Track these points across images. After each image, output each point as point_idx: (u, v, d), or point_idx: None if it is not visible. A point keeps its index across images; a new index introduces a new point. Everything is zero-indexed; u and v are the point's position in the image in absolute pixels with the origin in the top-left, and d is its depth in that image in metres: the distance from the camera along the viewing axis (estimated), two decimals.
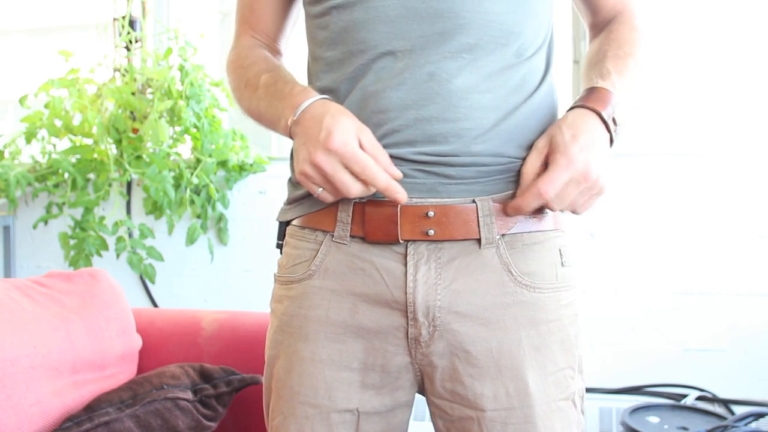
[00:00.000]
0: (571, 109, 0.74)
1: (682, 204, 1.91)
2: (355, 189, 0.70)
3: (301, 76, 0.85)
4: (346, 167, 0.69)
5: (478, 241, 0.73)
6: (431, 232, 0.72)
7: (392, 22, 0.72)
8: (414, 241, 0.73)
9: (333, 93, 0.76)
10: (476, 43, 0.72)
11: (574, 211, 0.72)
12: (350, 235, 0.75)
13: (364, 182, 0.69)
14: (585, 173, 0.68)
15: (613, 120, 0.72)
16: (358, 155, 0.68)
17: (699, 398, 1.84)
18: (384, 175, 0.69)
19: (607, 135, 0.72)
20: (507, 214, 0.73)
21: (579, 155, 0.68)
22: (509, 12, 0.73)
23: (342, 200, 0.75)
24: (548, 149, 0.71)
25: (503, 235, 0.74)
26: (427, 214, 0.72)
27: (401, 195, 0.70)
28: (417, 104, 0.71)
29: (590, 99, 0.73)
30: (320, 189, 0.71)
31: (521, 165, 0.74)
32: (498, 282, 0.74)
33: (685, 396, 1.85)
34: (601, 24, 0.88)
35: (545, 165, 0.71)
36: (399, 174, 0.71)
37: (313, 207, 0.78)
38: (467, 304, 0.73)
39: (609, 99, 0.72)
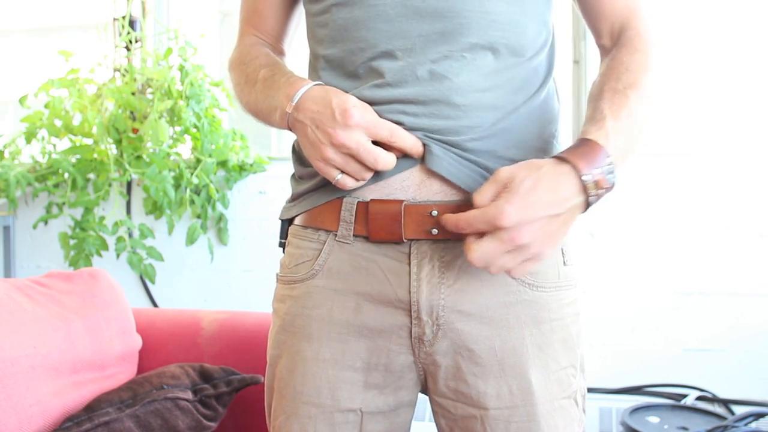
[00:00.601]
0: (558, 157, 0.66)
1: (682, 204, 1.91)
2: (384, 158, 0.69)
3: (302, 75, 0.85)
4: (372, 136, 0.69)
5: None
6: (435, 231, 0.72)
7: (392, 21, 0.72)
8: (417, 240, 0.73)
9: None
10: (477, 42, 0.72)
11: (508, 272, 0.65)
12: (353, 235, 0.75)
13: (391, 148, 0.70)
14: (510, 237, 0.61)
15: (596, 183, 0.64)
16: (382, 121, 0.69)
17: (699, 398, 1.84)
18: (409, 133, 0.70)
19: (581, 199, 0.65)
20: (442, 224, 0.68)
21: (513, 215, 0.61)
22: (510, 11, 0.73)
23: (345, 199, 0.75)
24: (505, 187, 0.64)
25: None
26: (430, 213, 0.72)
27: (421, 148, 0.71)
28: (417, 102, 0.71)
29: (578, 154, 0.65)
30: (339, 176, 0.71)
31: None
32: (501, 281, 0.74)
33: (685, 396, 1.85)
34: (608, 45, 0.80)
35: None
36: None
37: (319, 200, 0.77)
38: (471, 303, 0.73)
39: (597, 158, 0.65)
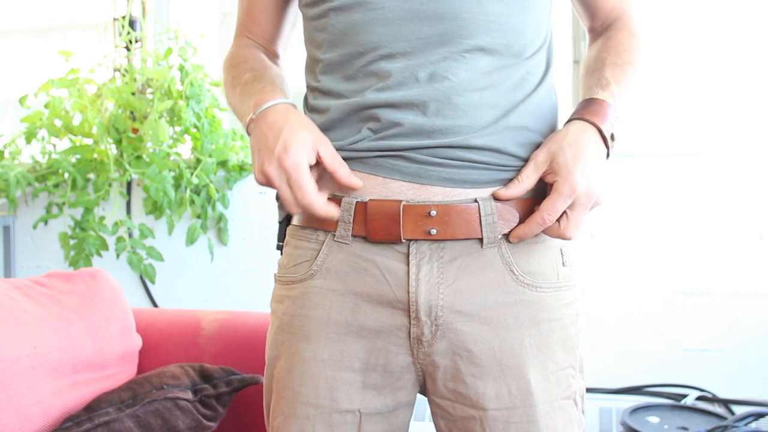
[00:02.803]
0: (570, 121, 0.75)
1: (682, 204, 1.91)
2: (293, 209, 0.73)
3: (299, 77, 0.85)
4: (291, 187, 0.72)
5: (480, 240, 0.73)
6: (433, 231, 0.72)
7: (391, 25, 0.72)
8: (416, 240, 0.73)
9: (332, 94, 0.77)
10: (476, 43, 0.72)
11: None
12: (352, 235, 0.75)
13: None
14: (588, 196, 0.70)
15: (612, 135, 0.73)
16: (302, 181, 0.71)
17: (699, 398, 1.84)
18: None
19: (605, 150, 0.73)
20: (509, 241, 0.74)
21: (581, 180, 0.69)
22: (509, 12, 0.73)
23: (344, 199, 0.75)
24: (548, 168, 0.72)
25: (505, 234, 0.74)
26: (429, 213, 0.72)
27: (359, 184, 0.73)
28: (416, 103, 0.72)
29: (590, 112, 0.74)
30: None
31: (518, 170, 0.74)
32: (500, 281, 0.74)
33: (685, 396, 1.85)
34: (599, 29, 0.88)
35: (542, 181, 0.73)
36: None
37: None
38: (469, 304, 0.73)
39: (608, 112, 0.74)
